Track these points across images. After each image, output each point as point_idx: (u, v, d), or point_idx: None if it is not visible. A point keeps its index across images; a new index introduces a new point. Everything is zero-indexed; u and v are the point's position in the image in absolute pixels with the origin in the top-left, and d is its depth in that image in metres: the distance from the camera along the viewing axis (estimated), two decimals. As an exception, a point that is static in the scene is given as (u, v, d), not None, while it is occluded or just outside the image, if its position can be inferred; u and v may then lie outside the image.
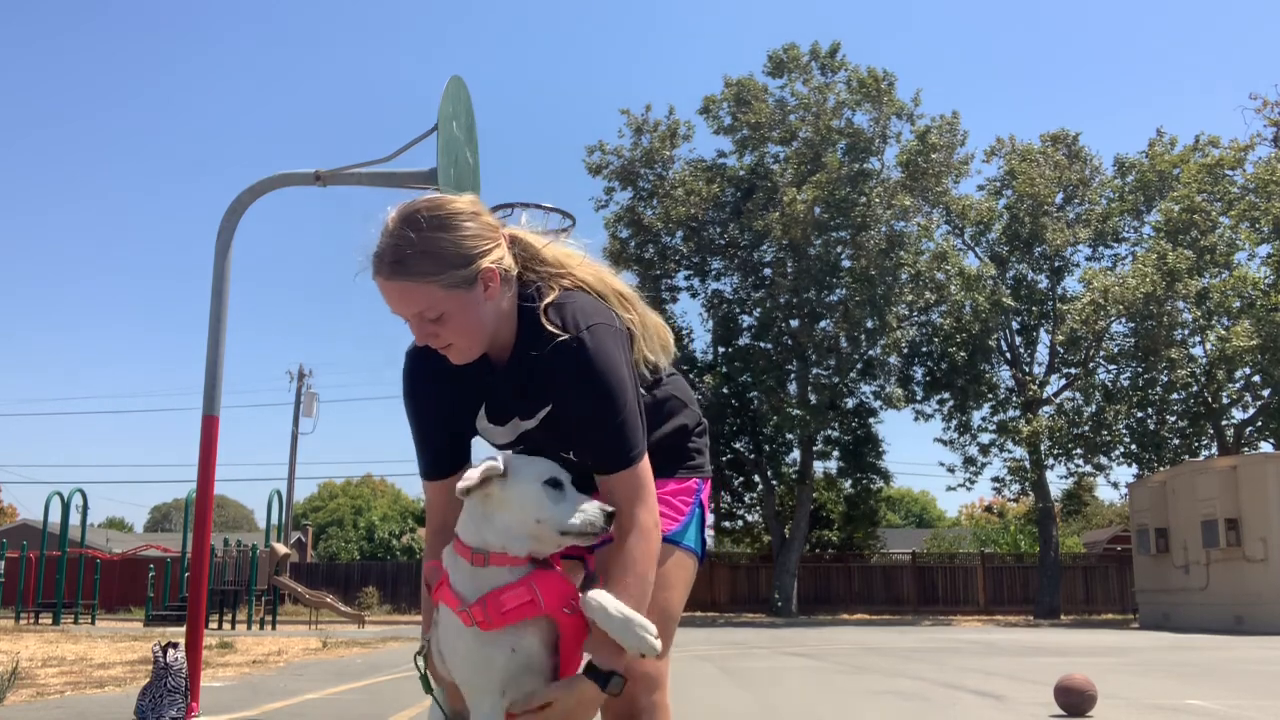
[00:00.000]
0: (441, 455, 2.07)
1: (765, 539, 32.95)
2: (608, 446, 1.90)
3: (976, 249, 31.87)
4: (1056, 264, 30.80)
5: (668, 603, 2.06)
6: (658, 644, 1.79)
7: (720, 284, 31.68)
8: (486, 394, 2.04)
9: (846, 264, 28.71)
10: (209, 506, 5.98)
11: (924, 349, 30.88)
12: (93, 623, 22.50)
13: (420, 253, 1.83)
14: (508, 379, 1.99)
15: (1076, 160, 31.32)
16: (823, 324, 29.57)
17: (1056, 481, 32.90)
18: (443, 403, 2.05)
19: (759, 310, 29.89)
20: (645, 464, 1.93)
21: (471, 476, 1.80)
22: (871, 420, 31.25)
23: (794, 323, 29.68)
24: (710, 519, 2.31)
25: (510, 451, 1.98)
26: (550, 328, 1.90)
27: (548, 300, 1.94)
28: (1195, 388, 28.24)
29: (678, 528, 2.11)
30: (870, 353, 29.82)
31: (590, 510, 1.82)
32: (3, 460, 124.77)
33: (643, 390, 2.02)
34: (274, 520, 25.35)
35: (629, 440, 1.91)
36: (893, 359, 30.11)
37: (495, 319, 1.92)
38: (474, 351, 1.93)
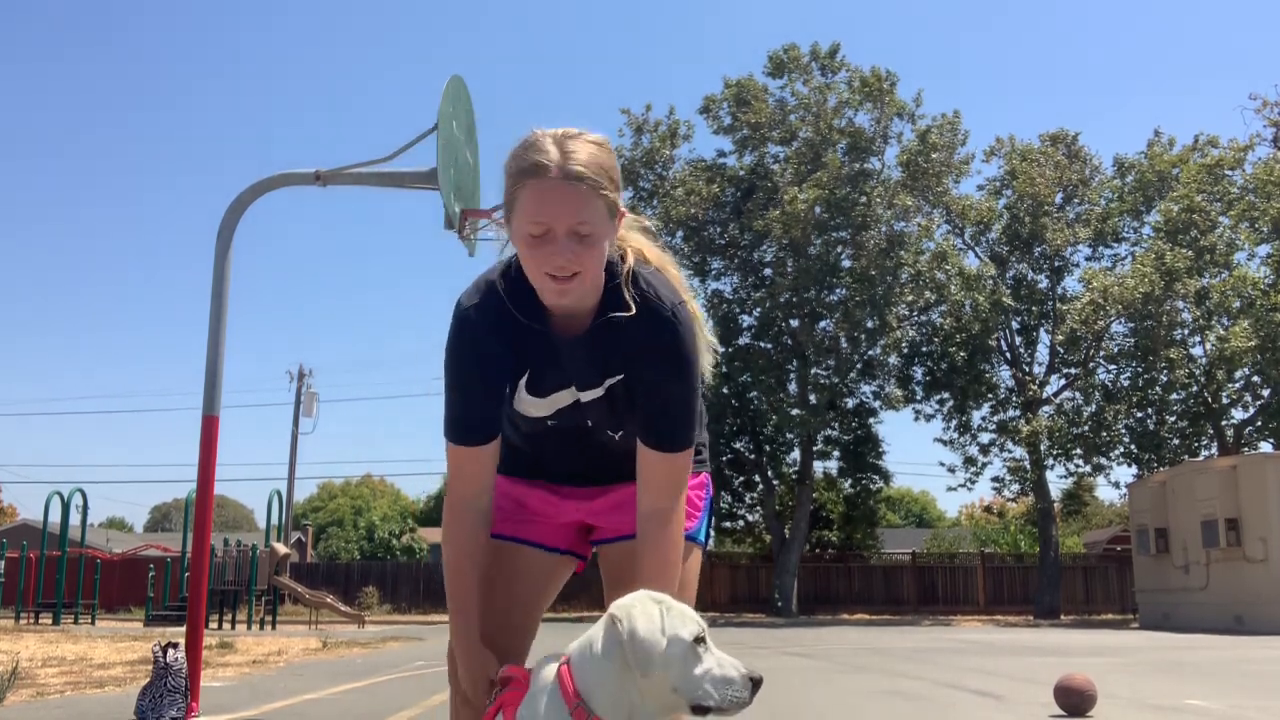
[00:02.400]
0: (488, 417, 2.00)
1: (765, 539, 32.94)
2: (679, 425, 1.94)
3: (976, 249, 31.87)
4: (1056, 264, 30.81)
5: (688, 601, 2.09)
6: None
7: (720, 284, 31.71)
8: (538, 362, 2.01)
9: (846, 264, 28.71)
10: (209, 506, 5.98)
11: (924, 349, 30.87)
12: (93, 623, 22.50)
13: (600, 165, 1.83)
14: (581, 346, 1.96)
15: (1076, 160, 31.32)
16: (823, 324, 29.57)
17: (1056, 481, 32.94)
18: (495, 363, 1.99)
19: (759, 310, 29.89)
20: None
21: (652, 615, 1.62)
22: (871, 420, 31.28)
23: (794, 322, 29.68)
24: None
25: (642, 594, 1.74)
26: (639, 297, 1.91)
27: (629, 267, 1.94)
28: (1195, 388, 28.24)
29: (696, 525, 2.14)
30: (870, 353, 29.83)
31: (737, 680, 1.61)
32: (3, 460, 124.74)
33: None
34: (274, 520, 25.36)
35: (695, 421, 1.97)
36: (892, 359, 30.12)
37: (600, 271, 1.90)
38: (587, 293, 1.88)
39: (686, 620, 1.63)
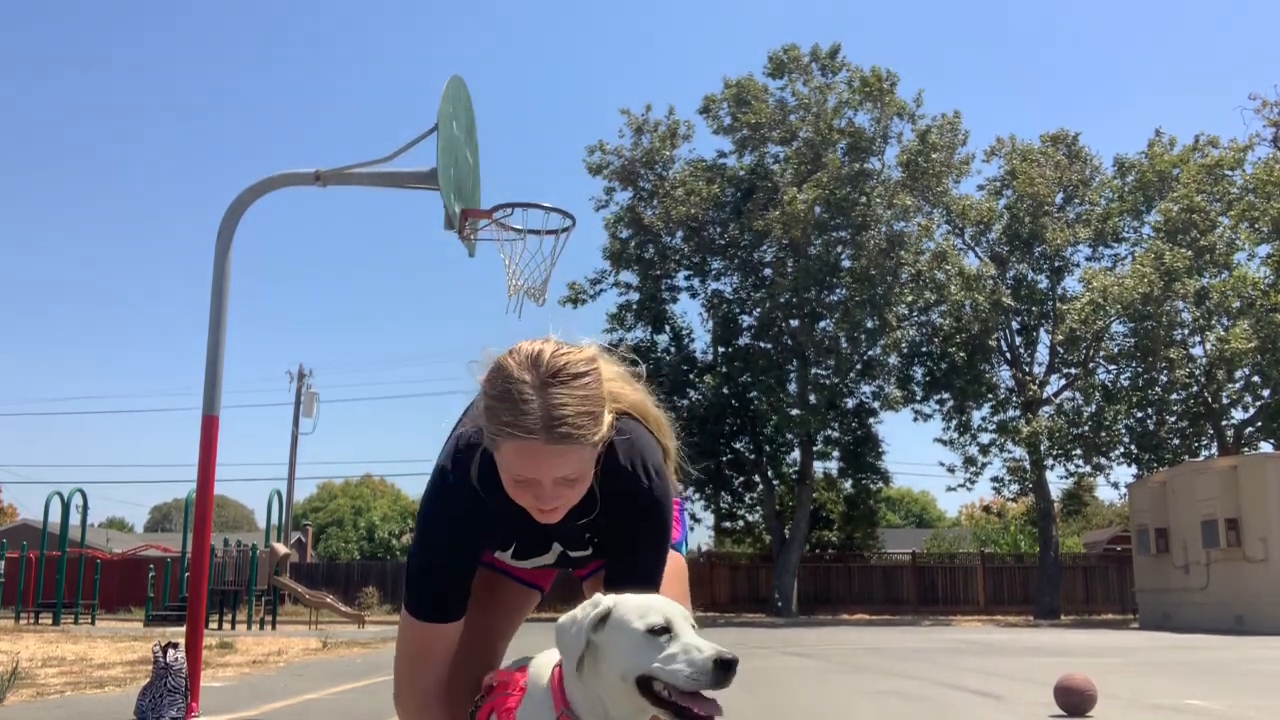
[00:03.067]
0: (464, 592, 1.92)
1: (765, 539, 32.94)
2: (644, 583, 1.87)
3: (976, 249, 31.87)
4: (1056, 264, 30.80)
5: (682, 602, 2.13)
6: None
7: (720, 284, 31.72)
8: (519, 535, 1.97)
9: (846, 264, 28.70)
10: (209, 506, 5.98)
11: (924, 349, 30.87)
12: (93, 623, 22.49)
13: (587, 411, 1.70)
14: (561, 525, 1.90)
15: (1076, 160, 31.32)
16: (822, 324, 29.57)
17: (1056, 481, 32.90)
18: (483, 540, 1.92)
19: (759, 310, 29.89)
20: None
21: (577, 620, 1.62)
22: (871, 420, 31.27)
23: (794, 323, 29.68)
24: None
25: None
26: (618, 475, 1.85)
27: (605, 439, 1.82)
28: (1195, 388, 28.24)
29: (679, 538, 2.18)
30: (870, 353, 29.82)
31: (698, 661, 1.53)
32: (3, 460, 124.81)
33: None
34: (274, 520, 25.34)
35: (660, 581, 1.94)
36: (891, 359, 30.11)
37: None
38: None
39: (647, 612, 1.58)
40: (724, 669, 1.52)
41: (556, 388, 1.68)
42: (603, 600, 1.63)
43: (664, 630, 1.56)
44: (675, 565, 2.12)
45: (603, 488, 1.84)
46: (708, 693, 1.56)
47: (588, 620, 1.59)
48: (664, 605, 1.61)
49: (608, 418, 1.78)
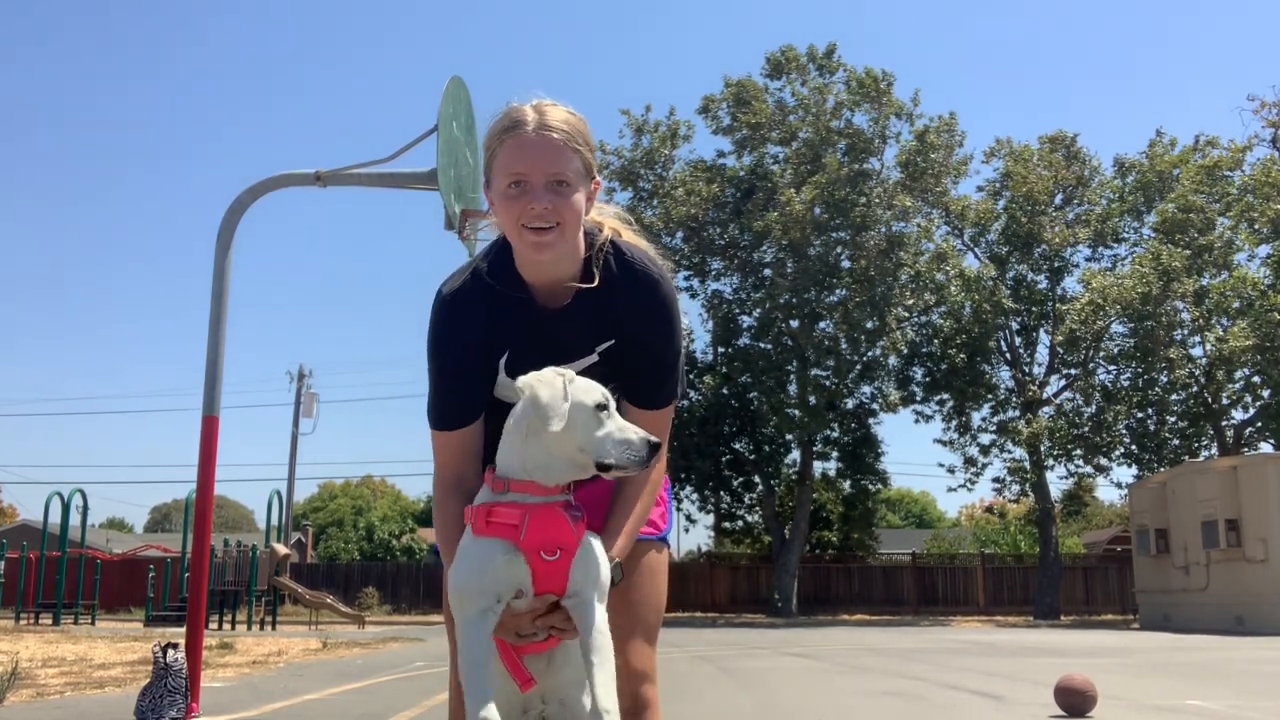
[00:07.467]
0: (468, 402, 2.00)
1: (765, 539, 32.92)
2: (664, 380, 2.01)
3: (976, 250, 31.86)
4: (1056, 264, 30.79)
5: (661, 597, 2.11)
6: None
7: (720, 284, 31.70)
8: (519, 341, 2.00)
9: (846, 264, 28.69)
10: (209, 507, 5.98)
11: (924, 350, 30.86)
12: (93, 623, 22.49)
13: (573, 126, 1.94)
14: (568, 316, 1.99)
15: (1074, 161, 31.29)
16: (822, 325, 29.56)
17: (1057, 482, 32.89)
18: (474, 348, 2.00)
19: (759, 311, 29.88)
20: None
21: (555, 384, 1.78)
22: (870, 421, 31.25)
23: (794, 323, 29.66)
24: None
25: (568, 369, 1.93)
26: (624, 262, 1.98)
27: (611, 239, 2.01)
28: (1195, 388, 28.24)
29: (667, 527, 2.16)
30: (870, 354, 29.80)
31: (636, 442, 1.78)
32: (3, 460, 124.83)
33: None
34: (274, 521, 25.33)
35: (680, 376, 2.04)
36: (891, 360, 30.08)
37: (579, 235, 1.95)
38: (566, 255, 1.93)
39: (590, 390, 1.80)
40: (653, 449, 1.78)
41: (548, 107, 1.96)
42: (563, 372, 1.83)
43: (604, 407, 1.79)
44: (653, 560, 2.08)
45: (614, 280, 1.97)
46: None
47: (568, 388, 1.79)
48: (599, 387, 1.82)
49: (596, 175, 1.98)
